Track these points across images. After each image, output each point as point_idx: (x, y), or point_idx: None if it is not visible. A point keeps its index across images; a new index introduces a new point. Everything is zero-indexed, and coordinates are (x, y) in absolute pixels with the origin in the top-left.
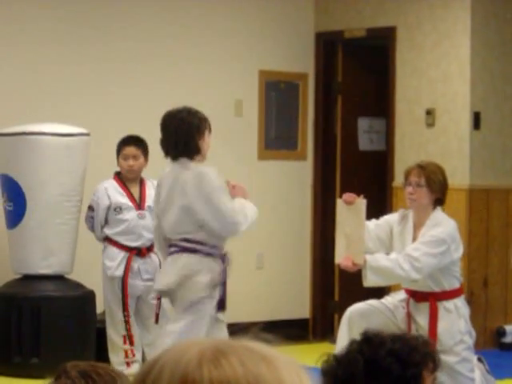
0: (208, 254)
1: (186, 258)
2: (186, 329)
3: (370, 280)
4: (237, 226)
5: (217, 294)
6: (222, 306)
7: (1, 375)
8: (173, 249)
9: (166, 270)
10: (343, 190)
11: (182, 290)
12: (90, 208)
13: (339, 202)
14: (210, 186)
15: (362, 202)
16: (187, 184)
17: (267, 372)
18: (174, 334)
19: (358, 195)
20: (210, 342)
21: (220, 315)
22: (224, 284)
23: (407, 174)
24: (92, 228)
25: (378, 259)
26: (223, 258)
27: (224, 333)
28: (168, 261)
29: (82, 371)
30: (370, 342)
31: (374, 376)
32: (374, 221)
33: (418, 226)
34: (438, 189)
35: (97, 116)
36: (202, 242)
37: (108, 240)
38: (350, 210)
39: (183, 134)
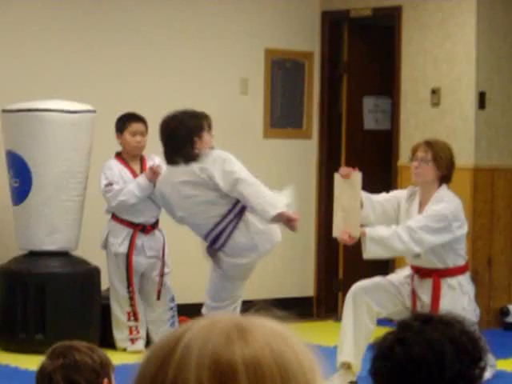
0: None
1: None
2: None
3: (369, 251)
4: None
5: None
6: None
7: (6, 351)
8: None
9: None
10: None
11: None
12: (109, 185)
13: (336, 177)
14: None
15: (357, 175)
16: None
17: (288, 351)
18: None
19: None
20: (230, 319)
21: None
22: None
23: (414, 150)
24: (120, 202)
25: (377, 229)
26: None
27: None
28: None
29: (90, 347)
30: (438, 322)
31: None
32: (383, 194)
33: (423, 203)
34: (444, 165)
35: (103, 93)
36: None
37: (112, 217)
38: (346, 183)
39: (176, 143)
